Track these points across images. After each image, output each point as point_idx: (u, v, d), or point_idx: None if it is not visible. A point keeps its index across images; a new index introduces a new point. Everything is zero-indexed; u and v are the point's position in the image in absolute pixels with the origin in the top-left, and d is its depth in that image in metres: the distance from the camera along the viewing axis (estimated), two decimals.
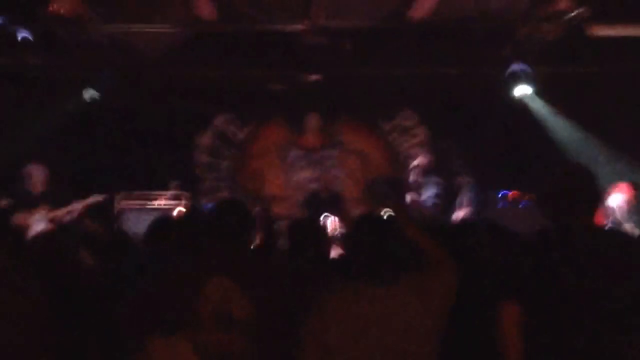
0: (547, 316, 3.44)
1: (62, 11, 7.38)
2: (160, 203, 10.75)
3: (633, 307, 3.37)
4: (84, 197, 8.62)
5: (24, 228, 7.37)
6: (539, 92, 10.48)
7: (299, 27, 8.25)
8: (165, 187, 11.04)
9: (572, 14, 7.57)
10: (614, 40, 8.24)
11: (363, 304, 3.41)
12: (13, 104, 10.14)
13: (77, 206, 8.39)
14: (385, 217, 3.90)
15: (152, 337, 3.52)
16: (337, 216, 10.29)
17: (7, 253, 4.09)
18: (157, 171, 11.13)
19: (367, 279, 3.45)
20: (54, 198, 8.39)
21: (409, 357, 3.38)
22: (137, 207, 10.67)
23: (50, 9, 7.39)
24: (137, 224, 9.76)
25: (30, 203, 8.21)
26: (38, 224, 7.94)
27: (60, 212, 8.22)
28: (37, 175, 8.46)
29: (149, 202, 10.70)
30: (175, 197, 10.90)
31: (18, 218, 7.60)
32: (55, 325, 3.80)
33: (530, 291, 3.47)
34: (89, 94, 10.27)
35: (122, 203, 10.77)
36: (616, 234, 4.25)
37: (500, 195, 10.66)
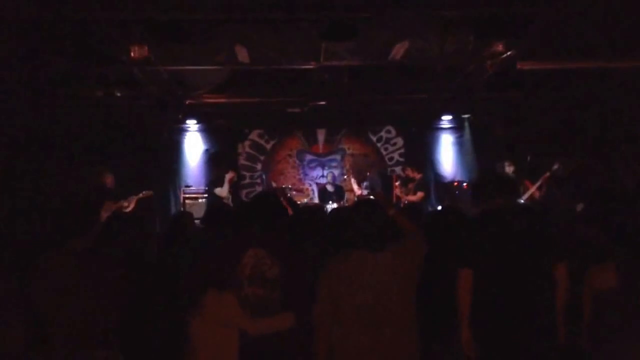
0: (489, 277, 3.68)
1: (138, 56, 7.37)
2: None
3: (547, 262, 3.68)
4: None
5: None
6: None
7: (310, 66, 8.20)
8: None
9: (506, 54, 7.53)
10: (538, 72, 8.20)
11: (361, 265, 3.42)
12: (105, 125, 10.13)
13: (133, 199, 8.27)
14: (371, 201, 3.89)
15: (207, 291, 3.52)
16: (340, 203, 10.30)
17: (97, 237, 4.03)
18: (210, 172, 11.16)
19: (364, 247, 3.44)
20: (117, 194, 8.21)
21: (394, 298, 3.40)
22: (195, 197, 10.68)
23: (131, 55, 7.41)
24: (196, 209, 9.78)
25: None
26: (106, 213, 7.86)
27: (120, 204, 8.08)
28: (105, 179, 8.29)
29: (204, 195, 10.69)
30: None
31: None
32: (134, 284, 3.78)
33: (478, 260, 3.70)
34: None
35: (185, 195, 10.78)
36: (527, 209, 4.44)
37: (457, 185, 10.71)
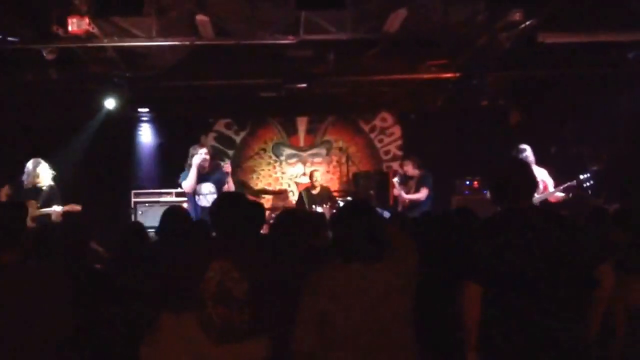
0: (506, 291, 3.57)
1: (77, 30, 7.34)
2: (169, 199, 10.70)
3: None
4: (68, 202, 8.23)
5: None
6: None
7: (287, 41, 8.21)
8: (173, 185, 11.03)
9: (524, 24, 7.56)
10: (562, 46, 8.24)
11: (354, 280, 3.44)
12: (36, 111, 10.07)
13: (57, 210, 8.03)
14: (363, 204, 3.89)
15: (163, 313, 3.52)
16: (326, 206, 10.32)
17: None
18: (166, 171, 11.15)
19: (356, 259, 3.47)
20: (45, 195, 8.14)
21: (391, 318, 3.44)
22: (149, 202, 10.66)
23: (70, 29, 7.37)
24: (148, 217, 9.78)
25: (22, 196, 7.99)
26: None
27: (42, 213, 7.92)
28: (30, 170, 8.18)
29: (159, 198, 10.68)
30: (181, 194, 10.85)
31: None
32: (77, 304, 3.77)
33: (487, 271, 3.58)
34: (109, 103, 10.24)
35: (137, 199, 10.76)
36: (551, 212, 4.33)
37: (467, 184, 10.73)
